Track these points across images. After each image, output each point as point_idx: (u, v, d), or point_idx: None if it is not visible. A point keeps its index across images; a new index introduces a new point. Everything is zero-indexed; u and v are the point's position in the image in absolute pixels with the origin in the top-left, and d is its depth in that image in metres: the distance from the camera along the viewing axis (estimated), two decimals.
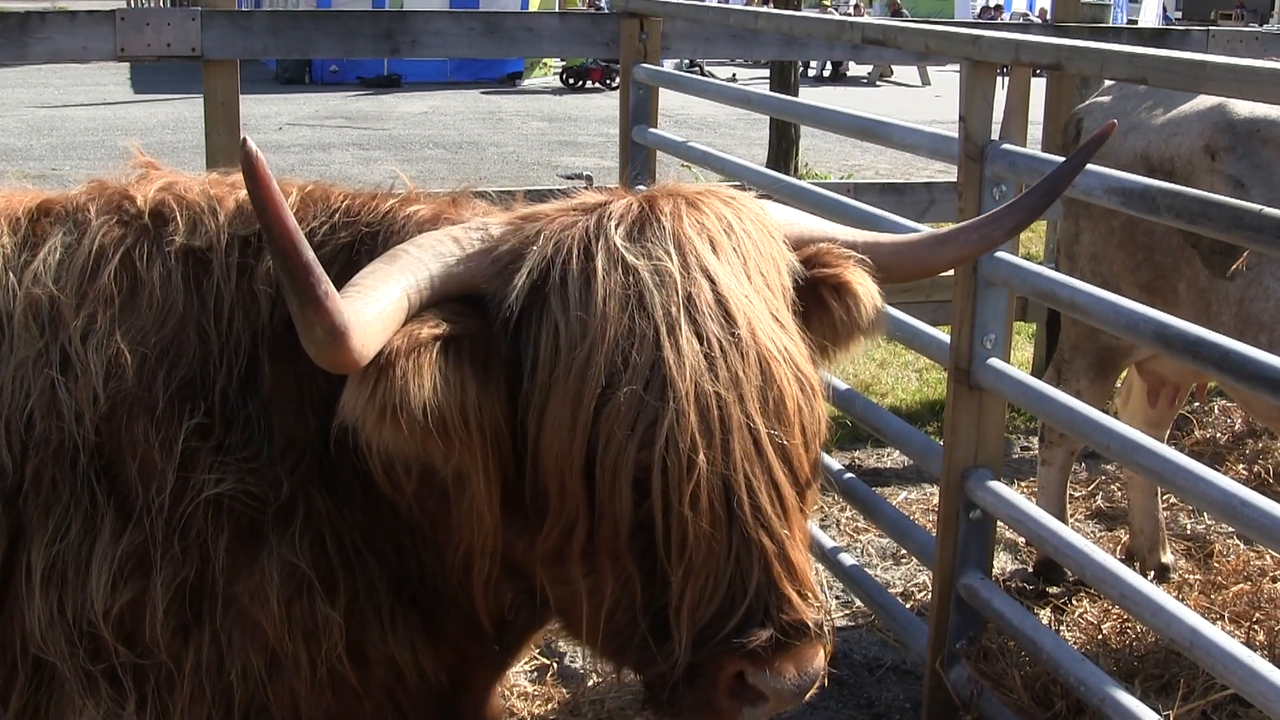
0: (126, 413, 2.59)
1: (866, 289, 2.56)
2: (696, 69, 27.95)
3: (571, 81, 28.29)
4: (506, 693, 4.28)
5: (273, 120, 20.93)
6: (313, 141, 19.08)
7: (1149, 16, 28.92)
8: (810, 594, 2.27)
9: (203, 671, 2.60)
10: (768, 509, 2.23)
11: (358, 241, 2.66)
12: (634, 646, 2.33)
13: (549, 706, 4.36)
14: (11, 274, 2.70)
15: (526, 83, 29.28)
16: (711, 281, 2.27)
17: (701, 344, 2.21)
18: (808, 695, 2.27)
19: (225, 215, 2.73)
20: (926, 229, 4.07)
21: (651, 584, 2.26)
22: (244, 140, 1.94)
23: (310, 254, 2.00)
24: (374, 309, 2.17)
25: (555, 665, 4.57)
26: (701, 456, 2.17)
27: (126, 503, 2.59)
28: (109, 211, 2.76)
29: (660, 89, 6.36)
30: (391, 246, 2.55)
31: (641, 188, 6.11)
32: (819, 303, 2.53)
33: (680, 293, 2.23)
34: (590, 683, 4.45)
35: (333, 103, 24.31)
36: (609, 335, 2.20)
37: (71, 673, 2.62)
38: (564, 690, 4.45)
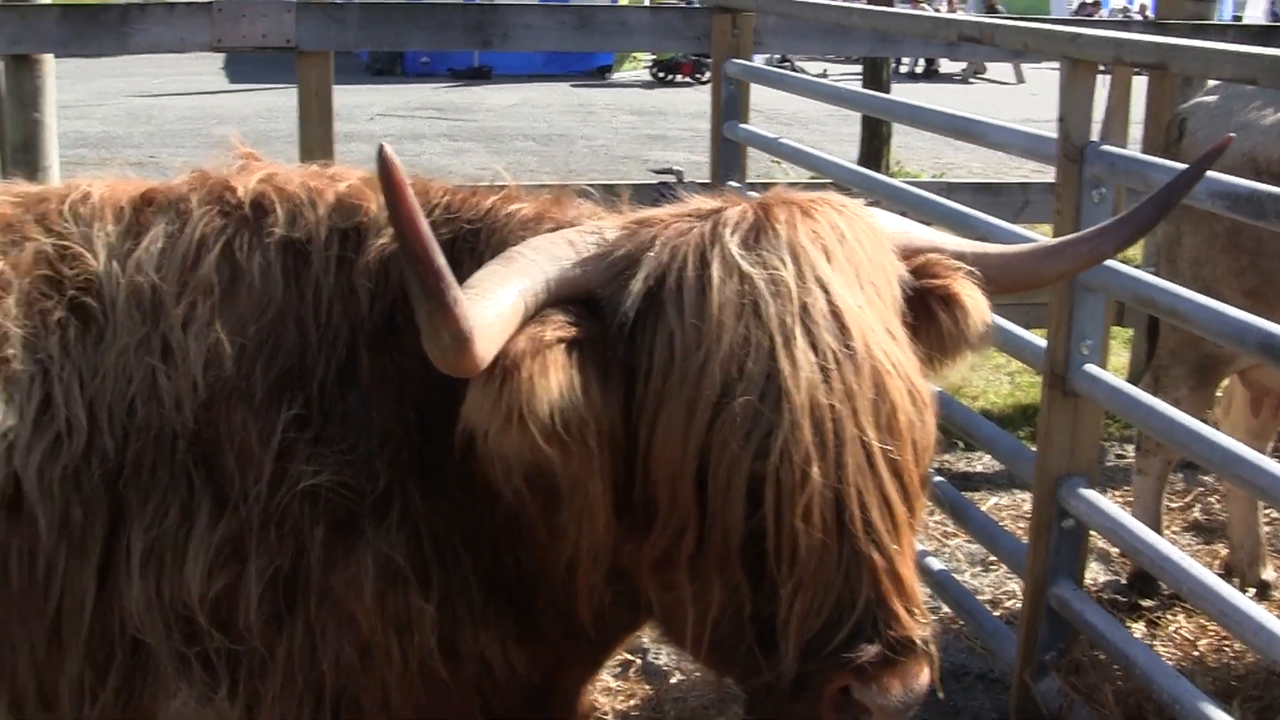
0: (225, 402, 2.62)
1: (975, 301, 2.52)
2: (787, 65, 27.82)
3: (661, 75, 28.28)
4: (589, 687, 4.29)
5: (364, 111, 21.11)
6: (404, 132, 19.22)
7: (1256, 13, 28.35)
8: (917, 610, 2.24)
9: (295, 660, 2.63)
10: (878, 524, 2.20)
11: (459, 238, 2.66)
12: (739, 656, 2.30)
13: (631, 702, 4.37)
14: (115, 262, 2.75)
15: (616, 76, 29.33)
16: (826, 292, 2.24)
17: (817, 356, 2.18)
18: (911, 711, 2.24)
19: (325, 208, 2.75)
20: (1022, 230, 4.02)
21: (759, 594, 2.23)
22: (381, 146, 1.96)
23: (442, 261, 2.01)
24: (492, 312, 2.17)
25: (639, 661, 4.56)
26: (815, 470, 2.14)
27: (223, 491, 2.62)
28: (210, 202, 2.79)
29: (752, 84, 6.32)
30: (493, 244, 2.58)
31: (734, 184, 6.08)
32: (926, 314, 2.49)
33: (795, 303, 2.21)
34: (673, 680, 4.45)
35: (423, 94, 24.48)
36: (724, 344, 2.18)
37: (166, 655, 2.66)
38: (647, 686, 4.45)
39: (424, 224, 1.99)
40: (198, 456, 2.63)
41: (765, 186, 5.69)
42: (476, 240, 2.65)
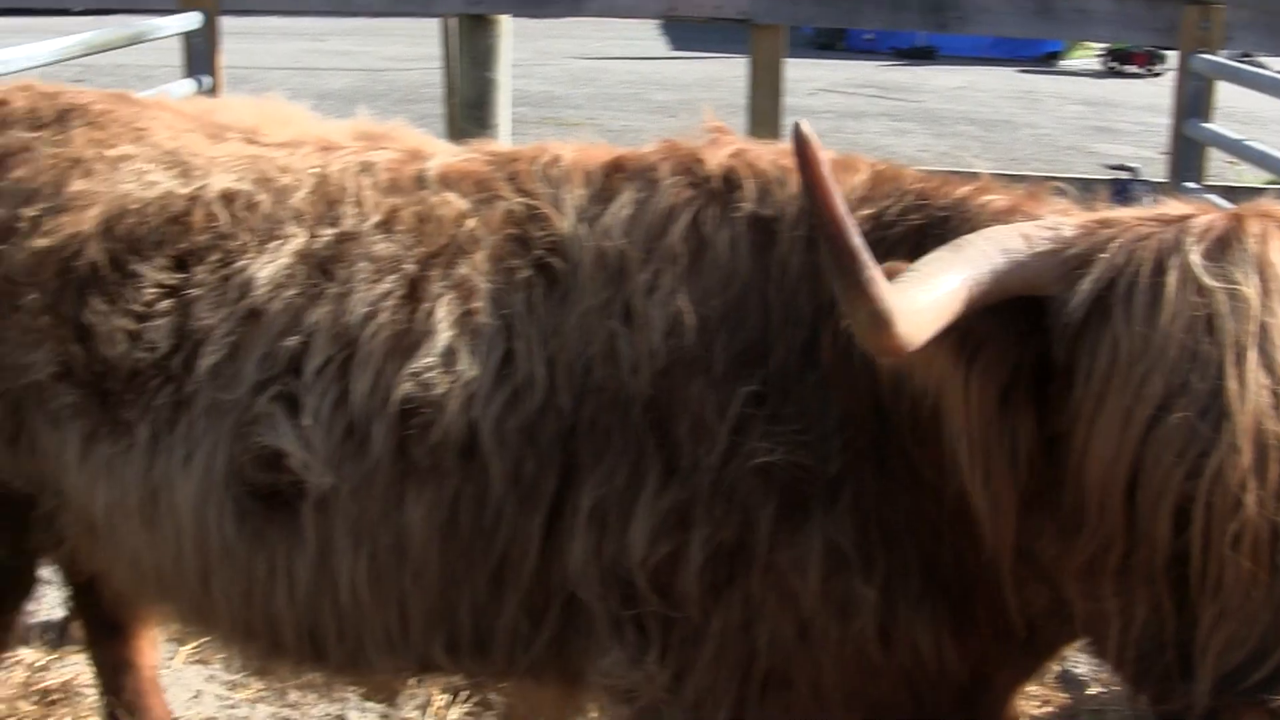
0: (683, 371, 2.66)
1: None
2: (1245, 60, 26.01)
3: (1113, 65, 27.09)
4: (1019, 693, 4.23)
5: (805, 85, 21.14)
6: (844, 109, 19.18)
7: None
8: None
9: (730, 632, 2.66)
10: None
11: (930, 225, 2.63)
12: (1155, 676, 2.23)
13: (1046, 709, 4.27)
14: (583, 225, 2.85)
15: (1065, 63, 28.29)
16: None
17: (1270, 380, 2.06)
18: None
19: (795, 187, 2.74)
20: None
21: (1182, 617, 2.15)
22: (797, 124, 2.00)
23: (857, 238, 2.02)
24: (928, 297, 2.15)
25: (1058, 668, 4.45)
26: (1250, 498, 2.02)
27: (674, 458, 2.66)
28: (680, 173, 2.85)
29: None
30: (963, 233, 2.50)
31: (1190, 184, 5.79)
32: None
33: (1255, 322, 2.09)
34: (1091, 691, 4.33)
35: (865, 71, 24.33)
36: (1170, 355, 2.10)
37: (601, 613, 2.74)
38: (1064, 694, 4.34)
39: (840, 201, 2.00)
40: (651, 422, 2.68)
41: (1225, 190, 5.41)
42: (946, 227, 2.60)
